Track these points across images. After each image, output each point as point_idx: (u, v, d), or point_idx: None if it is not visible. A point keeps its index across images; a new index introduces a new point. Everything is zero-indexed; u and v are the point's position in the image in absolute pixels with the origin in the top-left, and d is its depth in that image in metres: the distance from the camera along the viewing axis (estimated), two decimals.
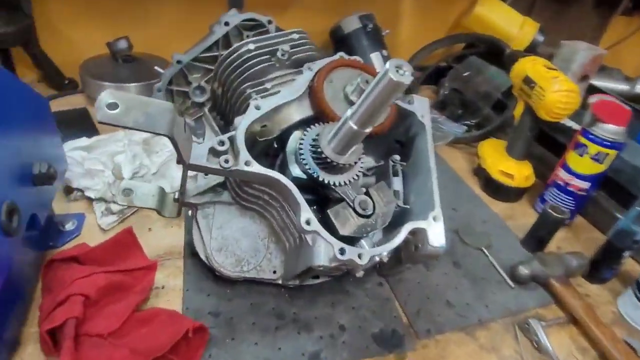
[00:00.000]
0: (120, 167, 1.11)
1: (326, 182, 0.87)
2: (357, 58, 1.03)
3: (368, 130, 0.79)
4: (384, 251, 0.85)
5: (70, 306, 0.78)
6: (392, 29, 1.97)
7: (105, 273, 0.87)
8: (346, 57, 1.03)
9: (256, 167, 0.82)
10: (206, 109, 1.09)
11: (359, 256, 0.81)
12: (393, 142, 1.17)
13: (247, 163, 0.81)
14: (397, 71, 0.66)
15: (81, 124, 1.36)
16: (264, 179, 0.83)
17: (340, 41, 1.82)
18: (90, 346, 0.79)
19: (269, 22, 1.23)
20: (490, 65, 1.86)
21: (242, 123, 0.84)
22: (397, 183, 1.07)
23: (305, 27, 1.07)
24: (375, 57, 1.77)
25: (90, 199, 1.16)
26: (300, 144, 0.89)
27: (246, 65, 0.91)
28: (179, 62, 1.20)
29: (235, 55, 0.92)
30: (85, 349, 0.78)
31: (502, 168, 1.44)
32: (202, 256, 0.97)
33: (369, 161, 1.25)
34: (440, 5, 2.19)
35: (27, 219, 0.76)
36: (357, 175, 0.91)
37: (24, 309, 0.88)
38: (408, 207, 1.04)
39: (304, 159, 0.87)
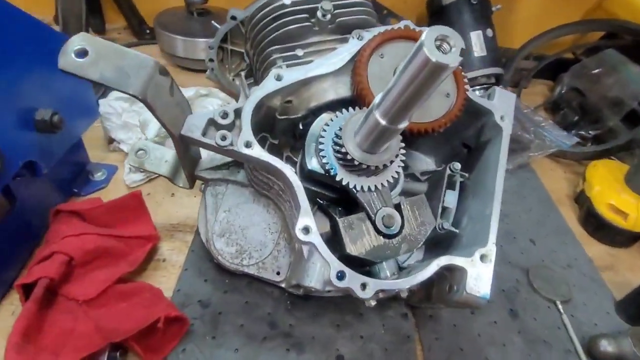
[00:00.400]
0: (145, 122, 1.05)
1: (344, 183, 0.69)
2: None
3: (401, 126, 0.59)
4: (401, 287, 0.65)
5: (49, 265, 0.74)
6: (506, 5, 1.61)
7: (97, 235, 0.81)
8: (411, 26, 0.80)
9: (257, 151, 0.66)
10: (243, 74, 0.97)
11: (363, 286, 0.62)
12: (459, 144, 0.92)
13: (247, 144, 0.66)
14: (437, 46, 0.44)
15: None
16: (266, 166, 0.68)
17: (437, 13, 1.54)
18: (61, 310, 0.74)
19: None
20: (632, 64, 1.43)
21: (254, 95, 0.69)
22: (451, 198, 0.84)
23: None
24: (475, 37, 1.46)
25: (126, 153, 1.13)
26: (324, 130, 0.71)
27: (276, 24, 0.74)
28: (233, 17, 1.08)
29: (267, 9, 0.76)
30: (54, 311, 0.74)
31: (614, 201, 1.08)
32: (203, 238, 0.87)
33: (428, 163, 1.03)
34: None
35: (17, 164, 0.72)
36: (388, 181, 0.70)
37: (31, 250, 0.87)
38: (457, 231, 0.81)
39: (323, 151, 0.70)
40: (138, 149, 0.87)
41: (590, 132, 1.46)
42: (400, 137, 0.69)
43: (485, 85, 1.51)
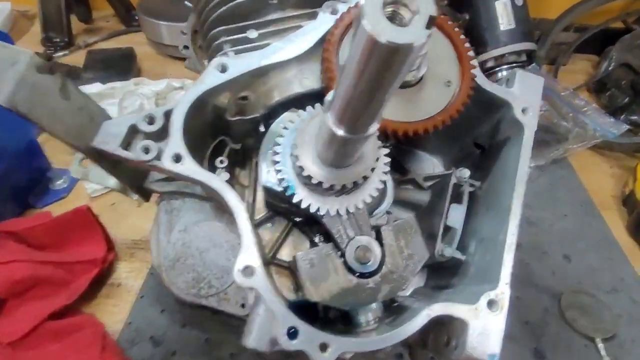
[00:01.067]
0: None
1: (304, 206, 0.52)
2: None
3: (369, 132, 0.41)
4: (377, 346, 0.49)
5: None
6: None
7: (30, 263, 0.69)
8: None
9: (188, 167, 0.51)
10: (206, 62, 0.81)
11: (322, 347, 0.47)
12: (470, 143, 0.73)
13: (176, 158, 0.51)
14: (389, 16, 0.26)
15: (120, 66, 1.21)
16: (201, 185, 0.53)
17: None
18: None
19: None
20: None
21: (189, 93, 0.53)
22: (456, 214, 0.65)
23: None
24: (501, 7, 1.23)
25: None
26: (281, 136, 0.55)
27: None
28: None
29: None
30: None
31: None
32: (154, 263, 0.73)
33: (435, 164, 0.84)
34: None
35: None
36: (365, 201, 0.53)
37: None
38: (462, 258, 0.63)
39: (278, 163, 0.54)
40: (82, 157, 0.74)
41: None
42: (378, 142, 0.51)
43: (514, 65, 1.28)
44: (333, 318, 0.67)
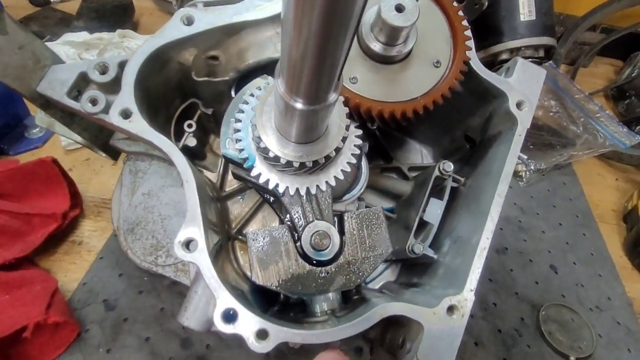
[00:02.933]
0: None
1: (262, 181, 0.48)
2: None
3: (329, 100, 0.36)
4: (319, 340, 0.45)
5: None
6: None
7: None
8: None
9: (137, 125, 0.47)
10: None
11: (260, 334, 0.43)
12: (461, 135, 0.67)
13: (124, 114, 0.47)
14: None
15: (114, 18, 1.16)
16: (151, 146, 0.48)
17: None
18: None
19: None
20: None
21: (147, 44, 0.48)
22: (434, 209, 0.61)
23: None
24: None
25: None
26: (245, 102, 0.50)
27: None
28: None
29: None
30: None
31: None
32: (114, 224, 0.70)
33: (424, 154, 0.79)
34: None
35: None
36: (328, 183, 0.49)
37: None
38: (435, 257, 0.58)
39: (239, 132, 0.49)
40: None
41: None
42: (345, 110, 0.46)
43: (531, 60, 1.20)
44: (292, 303, 0.64)
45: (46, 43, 0.93)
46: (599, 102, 1.24)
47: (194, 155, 0.69)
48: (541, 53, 1.21)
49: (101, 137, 0.66)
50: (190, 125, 0.63)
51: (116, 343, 0.65)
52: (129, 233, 0.68)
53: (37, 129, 0.92)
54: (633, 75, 1.28)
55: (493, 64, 1.23)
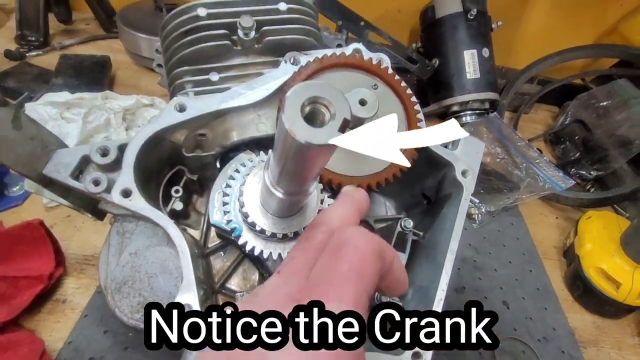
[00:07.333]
0: (64, 135, 0.91)
1: (248, 249, 0.55)
2: (381, 58, 0.65)
3: (300, 195, 0.44)
4: None
5: None
6: (510, 21, 1.44)
7: None
8: (364, 52, 0.65)
9: (136, 203, 0.53)
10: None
11: None
12: (419, 193, 0.77)
13: (125, 193, 0.53)
14: (308, 116, 0.30)
15: (93, 74, 1.21)
16: (147, 221, 0.54)
17: (430, 26, 1.37)
18: None
19: None
20: None
21: (145, 130, 0.55)
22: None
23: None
24: (469, 57, 1.30)
25: None
26: (232, 178, 0.57)
27: (188, 39, 0.60)
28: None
29: (180, 20, 0.61)
30: None
31: (605, 266, 0.92)
32: (101, 284, 0.73)
33: (388, 207, 0.88)
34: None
35: None
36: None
37: None
38: (400, 304, 0.66)
39: (227, 205, 0.56)
40: None
41: (591, 172, 1.29)
42: (320, 193, 0.54)
43: (477, 111, 1.35)
44: None
45: (28, 104, 0.98)
46: (539, 146, 1.40)
47: (179, 216, 0.74)
48: (487, 105, 1.36)
49: (91, 203, 0.70)
50: (177, 191, 0.69)
51: None
52: (116, 292, 0.72)
53: (17, 187, 0.95)
54: (566, 122, 1.45)
55: (446, 114, 1.38)
